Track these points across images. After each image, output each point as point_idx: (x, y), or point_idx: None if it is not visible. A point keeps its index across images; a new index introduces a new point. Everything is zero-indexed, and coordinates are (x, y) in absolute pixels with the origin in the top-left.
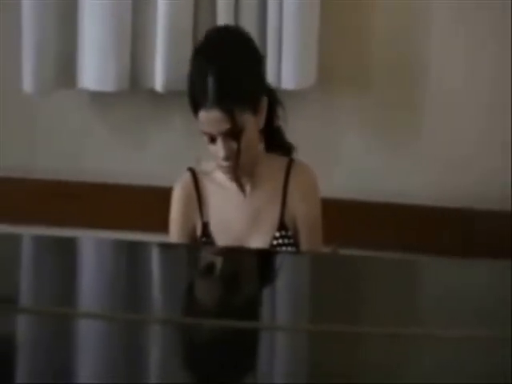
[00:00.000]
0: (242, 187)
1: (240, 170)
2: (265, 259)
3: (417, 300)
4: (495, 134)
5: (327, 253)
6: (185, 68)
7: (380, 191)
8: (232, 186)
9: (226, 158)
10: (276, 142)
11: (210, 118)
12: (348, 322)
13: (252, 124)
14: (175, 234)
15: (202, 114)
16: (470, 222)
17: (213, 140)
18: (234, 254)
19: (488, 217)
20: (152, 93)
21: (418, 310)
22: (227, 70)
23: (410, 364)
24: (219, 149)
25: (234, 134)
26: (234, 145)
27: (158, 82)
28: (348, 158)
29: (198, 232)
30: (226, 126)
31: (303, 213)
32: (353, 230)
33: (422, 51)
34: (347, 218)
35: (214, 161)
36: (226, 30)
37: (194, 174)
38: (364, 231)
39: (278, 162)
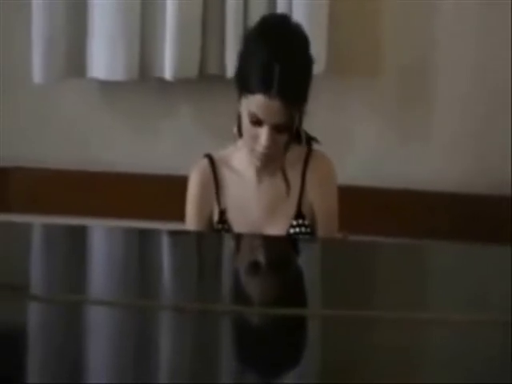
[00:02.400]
0: (260, 175)
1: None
2: (277, 245)
3: (425, 284)
4: (499, 122)
5: (338, 239)
6: (194, 56)
7: (392, 178)
8: (250, 174)
9: (268, 147)
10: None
11: (270, 105)
12: (357, 307)
13: (296, 121)
14: (192, 219)
15: (260, 99)
16: (475, 207)
17: (256, 123)
18: (246, 240)
19: (491, 202)
20: (161, 81)
21: (426, 294)
22: (296, 64)
23: (418, 348)
24: (263, 136)
25: (283, 127)
26: (278, 136)
27: (168, 71)
28: (359, 145)
29: (215, 218)
30: (282, 118)
31: (320, 202)
32: (365, 216)
33: (433, 38)
34: (359, 205)
35: (233, 146)
36: (289, 20)
37: (211, 160)
38: (376, 218)
39: (296, 152)
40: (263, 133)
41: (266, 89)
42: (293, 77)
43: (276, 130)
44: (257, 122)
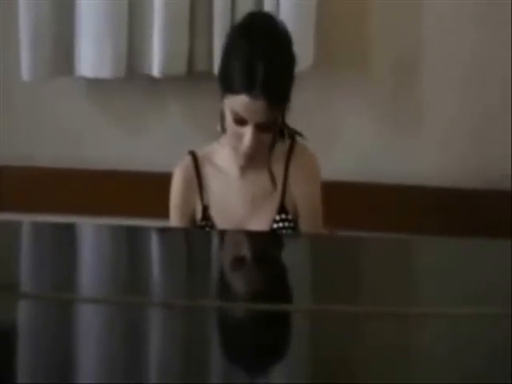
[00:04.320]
0: (243, 171)
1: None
2: (263, 241)
3: (419, 279)
4: (496, 115)
5: (327, 234)
6: (182, 53)
7: (380, 173)
8: (233, 170)
9: (251, 147)
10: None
11: (253, 105)
12: (350, 302)
13: (279, 120)
14: (175, 217)
15: (243, 99)
16: (473, 202)
17: (239, 122)
18: (232, 236)
19: (490, 196)
20: (149, 79)
21: (421, 289)
22: (279, 64)
23: (413, 343)
24: (247, 136)
25: (266, 126)
26: (261, 136)
27: (155, 68)
28: (349, 140)
29: (198, 215)
30: (265, 117)
31: (303, 196)
32: (354, 212)
33: (423, 32)
34: (347, 201)
35: (217, 142)
36: (273, 18)
37: (194, 157)
38: (365, 213)
39: (279, 147)
40: (247, 132)
41: (249, 89)
42: (276, 76)
43: (259, 129)
44: (240, 121)
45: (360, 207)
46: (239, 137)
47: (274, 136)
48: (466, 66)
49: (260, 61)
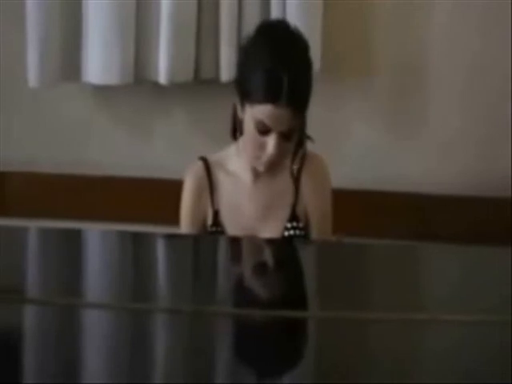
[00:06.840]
0: (256, 178)
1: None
2: (273, 248)
3: (422, 286)
4: (499, 122)
5: (333, 241)
6: (188, 61)
7: (386, 179)
8: (245, 177)
9: (275, 155)
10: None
11: (279, 114)
12: (357, 308)
13: (303, 126)
14: (187, 222)
15: (269, 108)
16: (474, 209)
17: (262, 131)
18: (242, 242)
19: (491, 204)
20: (156, 86)
21: (422, 295)
22: (301, 71)
23: (417, 349)
24: (272, 144)
25: (289, 133)
26: (285, 143)
27: (162, 75)
28: (354, 145)
29: (209, 220)
30: (289, 125)
31: (314, 204)
32: (359, 218)
33: (428, 37)
34: (353, 207)
35: (229, 149)
36: (288, 25)
37: (205, 162)
38: (370, 220)
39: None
40: (271, 141)
41: (275, 99)
42: (299, 84)
43: (283, 136)
44: (263, 130)
45: (364, 214)
46: (261, 146)
47: (298, 143)
48: (471, 71)
49: (284, 71)
